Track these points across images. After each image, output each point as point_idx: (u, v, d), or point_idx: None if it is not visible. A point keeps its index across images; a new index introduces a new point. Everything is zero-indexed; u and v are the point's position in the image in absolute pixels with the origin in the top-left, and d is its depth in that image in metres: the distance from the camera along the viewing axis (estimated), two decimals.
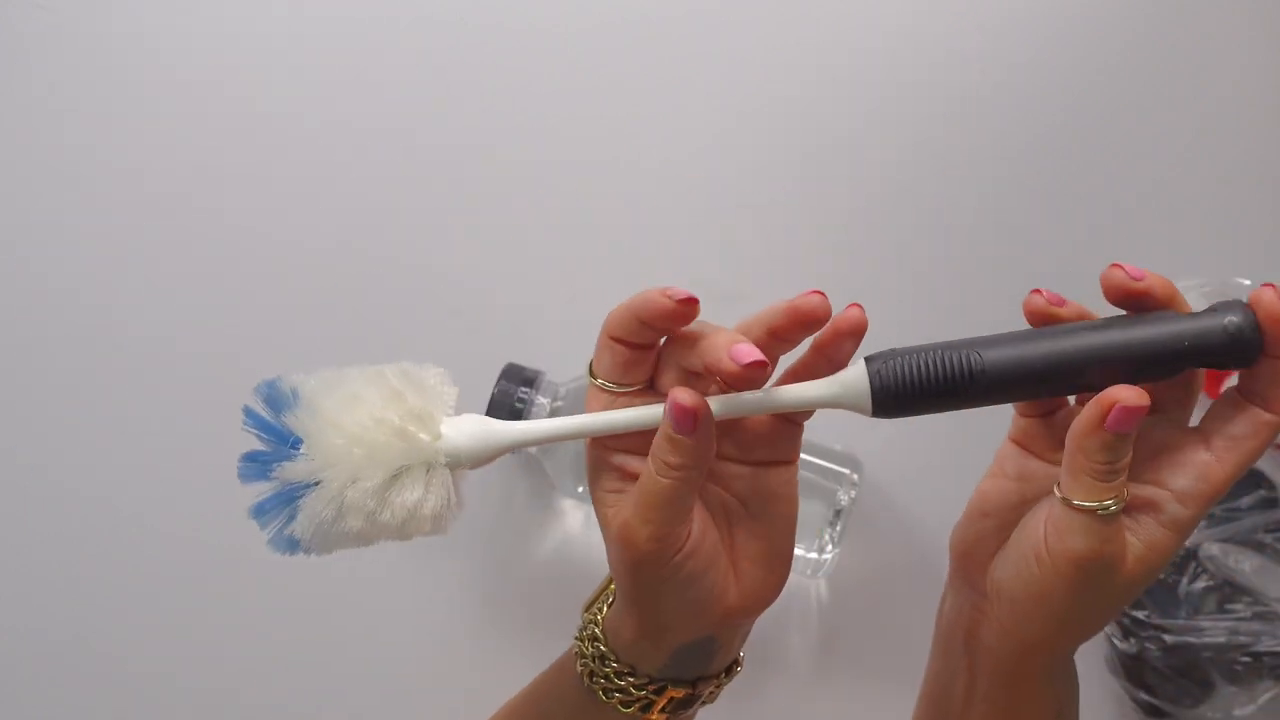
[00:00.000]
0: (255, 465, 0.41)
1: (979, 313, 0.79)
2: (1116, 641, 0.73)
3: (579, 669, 0.47)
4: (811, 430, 0.73)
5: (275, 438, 0.41)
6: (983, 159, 0.79)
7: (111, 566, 0.74)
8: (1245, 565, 0.72)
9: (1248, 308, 0.41)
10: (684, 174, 0.79)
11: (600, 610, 0.48)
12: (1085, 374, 0.41)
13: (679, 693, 0.46)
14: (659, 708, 0.46)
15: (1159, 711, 0.73)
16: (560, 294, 0.78)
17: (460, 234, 0.78)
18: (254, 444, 0.42)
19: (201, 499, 0.71)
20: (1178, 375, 0.42)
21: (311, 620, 0.75)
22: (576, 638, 0.49)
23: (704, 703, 0.49)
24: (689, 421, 0.40)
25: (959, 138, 0.79)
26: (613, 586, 0.48)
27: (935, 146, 0.79)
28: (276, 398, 0.42)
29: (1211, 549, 0.73)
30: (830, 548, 0.71)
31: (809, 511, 0.71)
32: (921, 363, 0.41)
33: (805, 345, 0.45)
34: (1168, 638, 0.71)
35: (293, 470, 0.41)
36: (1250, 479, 0.74)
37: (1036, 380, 0.41)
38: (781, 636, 0.75)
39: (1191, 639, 0.71)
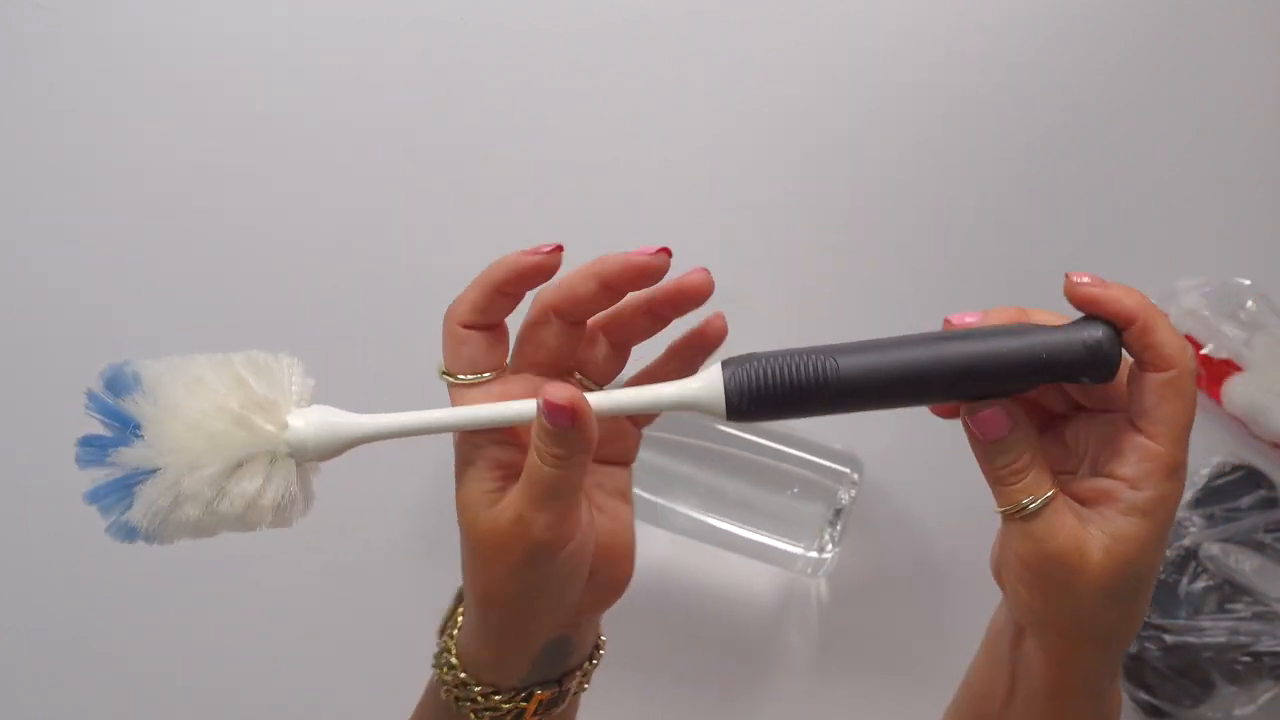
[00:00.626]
0: (93, 450, 0.40)
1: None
2: None
3: (444, 695, 0.47)
4: (812, 430, 0.73)
5: (117, 422, 0.41)
6: (983, 159, 0.79)
7: (111, 566, 0.74)
8: (1245, 565, 0.72)
9: (1109, 325, 0.40)
10: (684, 174, 0.79)
11: (452, 635, 0.47)
12: (941, 386, 0.41)
13: (547, 694, 0.46)
14: (530, 713, 0.46)
15: (1159, 711, 0.73)
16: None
17: (460, 234, 0.78)
18: (96, 429, 0.41)
19: None
20: (1037, 388, 0.42)
21: (310, 620, 0.75)
22: (434, 665, 0.48)
23: (576, 693, 0.49)
24: (566, 418, 0.40)
25: (959, 138, 0.79)
26: (461, 609, 0.48)
27: (935, 146, 0.79)
28: (119, 381, 0.41)
29: (1212, 549, 0.73)
30: (830, 547, 0.71)
31: (809, 511, 0.71)
32: (777, 368, 0.41)
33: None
34: (1168, 638, 0.71)
35: (130, 456, 0.40)
36: (1250, 479, 0.74)
37: (889, 391, 0.41)
38: (781, 636, 0.75)
39: (1191, 639, 0.71)
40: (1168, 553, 0.73)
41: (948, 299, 0.78)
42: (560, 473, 0.41)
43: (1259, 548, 0.73)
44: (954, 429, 0.78)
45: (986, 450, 0.41)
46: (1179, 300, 0.76)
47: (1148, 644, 0.72)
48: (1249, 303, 0.75)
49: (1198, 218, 0.78)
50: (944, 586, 0.76)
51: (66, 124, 0.77)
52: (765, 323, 0.78)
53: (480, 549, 0.43)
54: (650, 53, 0.79)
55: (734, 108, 0.79)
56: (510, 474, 0.43)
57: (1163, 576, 0.73)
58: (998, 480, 0.41)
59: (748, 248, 0.79)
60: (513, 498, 0.42)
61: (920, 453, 0.76)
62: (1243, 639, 0.71)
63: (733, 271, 0.78)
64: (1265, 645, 0.71)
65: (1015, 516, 0.41)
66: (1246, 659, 0.71)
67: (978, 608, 0.77)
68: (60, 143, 0.77)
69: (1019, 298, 0.78)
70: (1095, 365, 0.40)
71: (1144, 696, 0.72)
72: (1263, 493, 0.74)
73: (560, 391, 0.40)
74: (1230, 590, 0.72)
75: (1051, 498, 0.40)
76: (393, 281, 0.77)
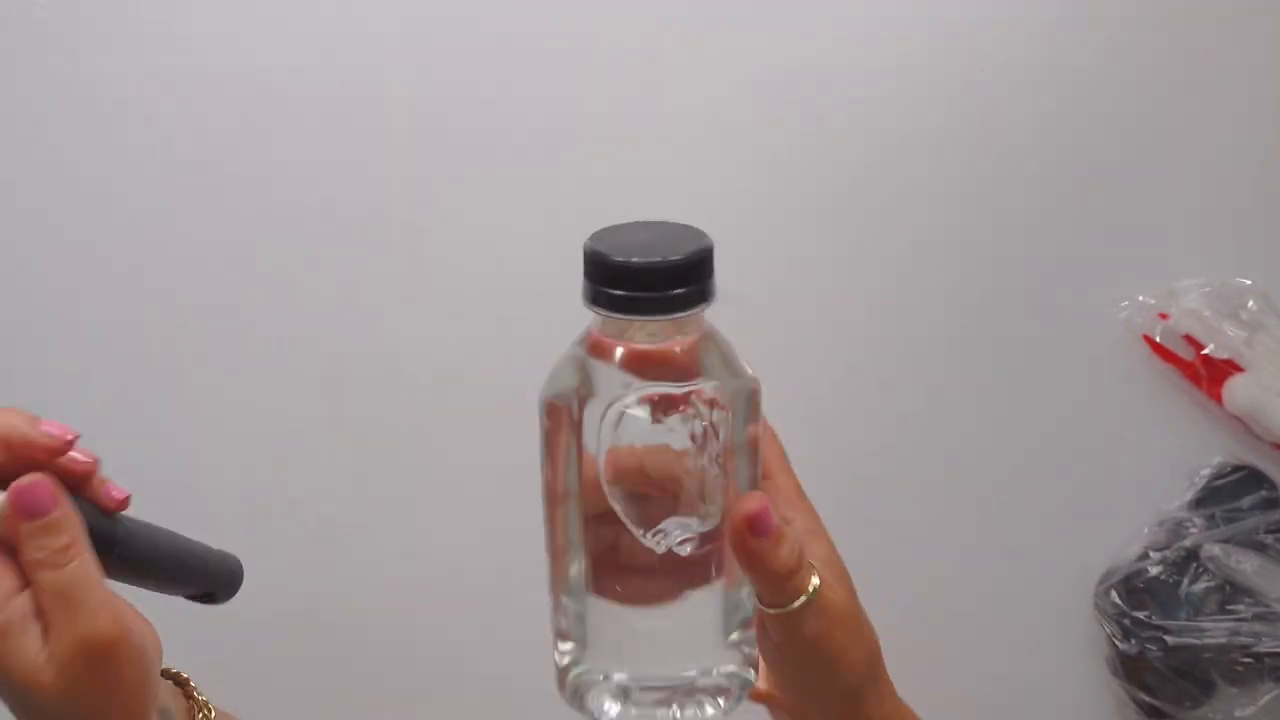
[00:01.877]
0: None
1: (977, 312, 0.79)
2: (1117, 642, 0.73)
3: None
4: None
5: None
6: (984, 158, 0.79)
7: None
8: (1246, 566, 0.72)
9: None
10: (685, 174, 0.78)
11: None
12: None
13: None
14: None
15: (1160, 713, 0.73)
16: (561, 290, 0.77)
17: (462, 232, 0.78)
18: None
19: (205, 502, 0.71)
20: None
21: (309, 621, 0.75)
22: None
23: None
24: (49, 498, 0.37)
25: (959, 137, 0.79)
26: None
27: (936, 149, 0.79)
28: None
29: (1213, 549, 0.72)
30: None
31: None
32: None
33: None
34: (1169, 638, 0.71)
35: None
36: (1251, 479, 0.74)
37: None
38: None
39: (1192, 640, 0.71)
40: (1168, 553, 0.73)
41: (947, 298, 0.78)
42: (82, 563, 0.37)
43: (1260, 548, 0.73)
44: (951, 429, 0.78)
45: (767, 547, 0.38)
46: (1179, 300, 0.76)
47: (1149, 645, 0.71)
48: (1250, 303, 0.75)
49: (1198, 218, 0.78)
50: (940, 584, 0.77)
51: (65, 124, 0.77)
52: (768, 325, 0.78)
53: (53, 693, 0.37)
54: (653, 52, 0.79)
55: (736, 107, 0.79)
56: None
57: (1164, 577, 0.73)
58: (790, 571, 0.39)
59: (748, 249, 0.79)
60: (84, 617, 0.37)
61: (919, 453, 0.76)
62: (1244, 640, 0.71)
63: (734, 274, 0.78)
64: (1266, 646, 0.71)
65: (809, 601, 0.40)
66: (1247, 660, 0.71)
67: (975, 604, 0.78)
68: (60, 143, 0.77)
69: (1017, 297, 0.78)
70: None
71: (1144, 697, 0.72)
72: (1263, 493, 0.74)
73: (34, 477, 0.37)
74: (1231, 591, 0.72)
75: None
76: (393, 280, 0.77)
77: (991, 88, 0.79)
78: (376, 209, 0.77)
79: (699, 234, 0.37)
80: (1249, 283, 0.75)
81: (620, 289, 0.35)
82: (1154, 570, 0.73)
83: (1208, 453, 0.75)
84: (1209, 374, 0.75)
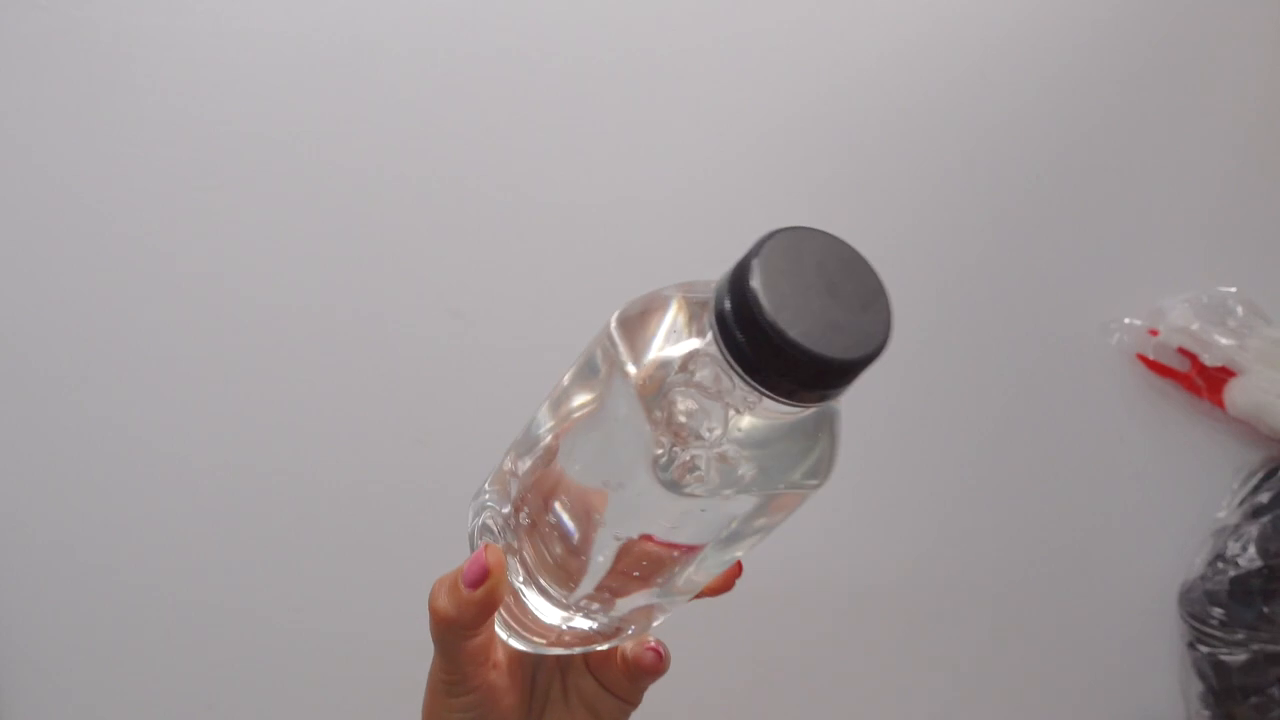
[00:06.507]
0: None
1: (975, 315, 0.78)
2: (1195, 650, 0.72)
3: None
4: None
5: None
6: (979, 169, 0.78)
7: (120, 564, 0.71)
8: None
9: None
10: (692, 178, 0.76)
11: None
12: None
13: None
14: None
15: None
16: (565, 295, 0.76)
17: (467, 234, 0.76)
18: None
19: (204, 508, 0.71)
20: None
21: (310, 625, 0.72)
22: None
23: None
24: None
25: (954, 146, 0.79)
26: None
27: (932, 153, 0.78)
28: None
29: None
30: None
31: None
32: None
33: None
34: (1253, 645, 0.71)
35: None
36: None
37: None
38: (780, 638, 0.75)
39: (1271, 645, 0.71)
40: (1247, 568, 0.73)
41: (942, 305, 0.78)
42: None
43: None
44: (950, 430, 0.72)
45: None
46: (1167, 317, 0.77)
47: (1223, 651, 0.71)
48: (1237, 309, 0.76)
49: (1177, 234, 0.80)
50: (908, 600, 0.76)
51: (66, 124, 0.74)
52: None
53: None
54: (658, 58, 0.76)
55: (740, 112, 0.75)
56: None
57: (1231, 586, 0.73)
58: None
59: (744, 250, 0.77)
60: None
61: (915, 454, 0.76)
62: None
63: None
64: None
65: None
66: None
67: (959, 620, 0.75)
68: (60, 144, 0.74)
69: (1013, 303, 0.77)
70: None
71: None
72: None
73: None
74: None
75: None
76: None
77: (986, 102, 0.79)
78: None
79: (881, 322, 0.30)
80: (1234, 289, 0.76)
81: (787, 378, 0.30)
82: (1220, 579, 0.73)
83: (1225, 460, 0.76)
84: (1207, 383, 0.76)
